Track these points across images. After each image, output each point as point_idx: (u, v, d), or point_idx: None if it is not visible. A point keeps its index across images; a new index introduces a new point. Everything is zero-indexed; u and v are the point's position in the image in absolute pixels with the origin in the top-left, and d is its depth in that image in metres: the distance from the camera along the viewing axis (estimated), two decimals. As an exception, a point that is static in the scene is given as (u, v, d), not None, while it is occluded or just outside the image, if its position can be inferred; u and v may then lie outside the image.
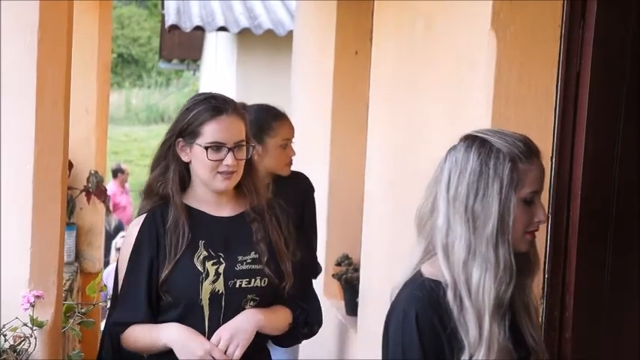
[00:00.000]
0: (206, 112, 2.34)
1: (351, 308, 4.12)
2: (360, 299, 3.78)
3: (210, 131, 2.33)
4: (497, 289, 1.75)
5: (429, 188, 1.86)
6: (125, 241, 2.43)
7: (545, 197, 2.26)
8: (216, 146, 2.33)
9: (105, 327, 2.47)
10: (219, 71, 10.95)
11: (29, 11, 2.51)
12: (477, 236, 1.76)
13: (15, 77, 2.52)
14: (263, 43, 8.66)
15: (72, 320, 3.00)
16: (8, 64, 2.51)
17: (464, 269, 1.76)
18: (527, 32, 2.30)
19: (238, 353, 2.29)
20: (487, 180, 1.77)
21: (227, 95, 2.47)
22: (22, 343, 2.41)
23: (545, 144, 2.31)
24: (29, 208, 2.56)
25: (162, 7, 10.71)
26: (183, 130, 2.35)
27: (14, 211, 2.56)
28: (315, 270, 3.68)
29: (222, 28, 8.90)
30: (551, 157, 2.30)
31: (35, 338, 2.44)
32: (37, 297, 2.48)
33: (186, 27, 9.10)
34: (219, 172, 2.34)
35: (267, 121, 3.29)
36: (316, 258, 3.65)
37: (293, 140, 3.41)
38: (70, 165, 4.89)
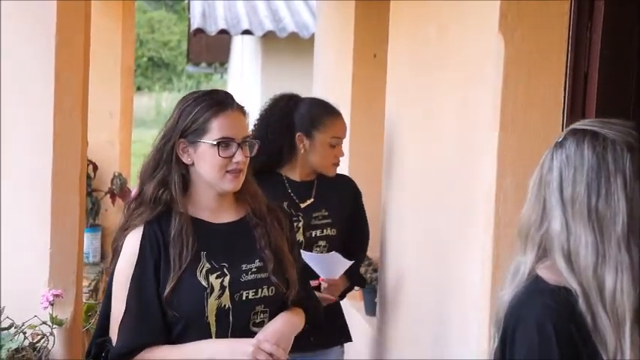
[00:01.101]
0: (211, 108, 2.19)
1: (371, 309, 4.14)
2: (379, 300, 3.81)
3: (218, 127, 2.17)
4: (637, 292, 1.59)
5: (532, 193, 1.69)
6: (123, 255, 2.19)
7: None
8: (226, 142, 2.18)
9: (111, 355, 2.18)
10: (246, 74, 11.03)
11: (46, 17, 2.57)
12: (606, 238, 1.60)
13: (33, 81, 2.59)
14: (287, 45, 8.72)
15: (93, 319, 3.07)
16: (26, 68, 2.58)
17: (594, 276, 1.60)
18: (535, 34, 2.32)
19: (284, 357, 2.17)
20: (608, 175, 1.61)
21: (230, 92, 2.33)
22: (42, 340, 2.47)
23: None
24: (48, 208, 2.63)
25: (189, 11, 10.81)
26: (186, 129, 2.19)
27: (34, 211, 2.63)
28: (360, 281, 3.46)
29: (247, 32, 8.98)
30: (560, 158, 2.31)
31: (54, 336, 2.50)
32: (56, 296, 2.54)
33: (211, 30, 9.19)
34: (227, 172, 2.19)
35: (319, 116, 3.15)
36: (358, 271, 3.44)
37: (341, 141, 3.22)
38: (95, 167, 4.99)
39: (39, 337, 2.48)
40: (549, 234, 1.65)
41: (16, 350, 2.35)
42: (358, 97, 4.51)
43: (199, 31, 9.28)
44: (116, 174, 4.96)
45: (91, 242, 4.99)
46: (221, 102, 2.21)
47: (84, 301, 3.27)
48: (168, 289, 2.12)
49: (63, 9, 2.60)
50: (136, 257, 2.16)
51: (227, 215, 2.27)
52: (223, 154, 2.18)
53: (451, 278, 2.78)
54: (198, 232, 2.19)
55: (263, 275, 2.22)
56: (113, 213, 5.13)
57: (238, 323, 2.18)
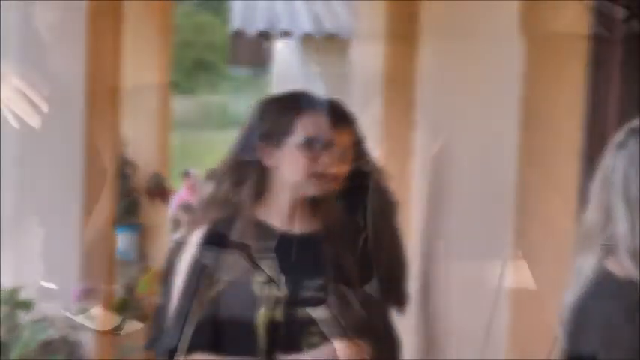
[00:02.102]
0: (295, 107, 2.08)
1: (402, 308, 4.15)
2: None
3: (302, 126, 2.06)
4: None
5: (595, 195, 1.64)
6: (184, 254, 2.13)
7: (574, 195, 2.30)
8: (310, 142, 2.06)
9: (157, 351, 2.16)
10: (287, 75, 11.09)
11: (77, 15, 2.62)
12: None
13: (65, 80, 2.66)
14: (326, 46, 8.76)
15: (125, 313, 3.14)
16: (58, 68, 2.66)
17: None
18: (555, 34, 2.33)
19: None
20: None
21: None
22: (72, 333, 2.55)
23: (575, 143, 2.34)
24: (80, 204, 2.70)
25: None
26: (270, 130, 2.08)
27: (66, 207, 2.71)
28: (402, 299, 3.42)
29: (286, 33, 9.05)
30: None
31: (84, 330, 2.57)
32: (88, 290, 2.61)
33: (250, 32, 9.27)
34: (312, 174, 2.06)
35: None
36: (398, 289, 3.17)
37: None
38: (134, 168, 5.09)
39: (69, 330, 2.55)
40: (615, 236, 1.60)
41: (46, 343, 2.42)
42: (390, 98, 4.51)
43: (238, 33, 9.36)
44: (153, 173, 5.05)
45: (129, 240, 5.08)
46: (305, 101, 2.12)
47: (120, 296, 3.34)
48: (214, 293, 2.04)
49: (94, 8, 2.66)
50: (192, 256, 2.09)
51: (300, 226, 2.14)
52: (308, 155, 2.07)
53: (475, 273, 2.79)
54: (264, 239, 2.09)
55: (322, 295, 2.10)
56: (152, 212, 5.23)
57: (289, 339, 2.06)
